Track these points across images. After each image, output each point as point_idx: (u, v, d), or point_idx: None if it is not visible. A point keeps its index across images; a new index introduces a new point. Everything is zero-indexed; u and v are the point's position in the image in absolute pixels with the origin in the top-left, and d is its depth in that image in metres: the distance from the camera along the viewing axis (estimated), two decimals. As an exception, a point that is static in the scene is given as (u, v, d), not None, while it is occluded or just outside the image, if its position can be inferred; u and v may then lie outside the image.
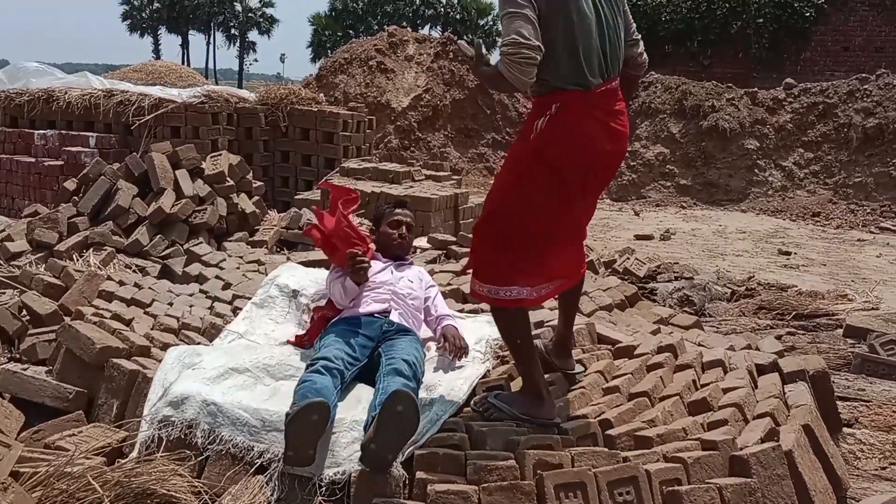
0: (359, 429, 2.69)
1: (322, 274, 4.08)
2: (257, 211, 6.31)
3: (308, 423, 2.52)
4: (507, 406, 2.91)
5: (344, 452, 2.63)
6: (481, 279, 2.88)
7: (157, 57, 53.44)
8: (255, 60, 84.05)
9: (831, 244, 11.15)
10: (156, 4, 53.56)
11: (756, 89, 14.95)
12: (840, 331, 5.40)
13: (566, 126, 2.71)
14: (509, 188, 2.84)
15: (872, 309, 6.09)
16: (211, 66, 59.82)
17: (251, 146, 9.22)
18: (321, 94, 10.82)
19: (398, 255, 3.83)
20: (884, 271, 9.30)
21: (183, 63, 46.68)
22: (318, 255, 4.77)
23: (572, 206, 2.88)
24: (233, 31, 56.26)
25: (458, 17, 46.97)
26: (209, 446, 2.68)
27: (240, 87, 40.42)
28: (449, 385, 3.05)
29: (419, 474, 2.54)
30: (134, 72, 21.68)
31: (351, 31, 47.07)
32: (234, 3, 54.88)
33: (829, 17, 19.35)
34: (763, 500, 2.59)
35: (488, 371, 3.34)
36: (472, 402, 3.02)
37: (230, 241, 5.87)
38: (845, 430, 3.57)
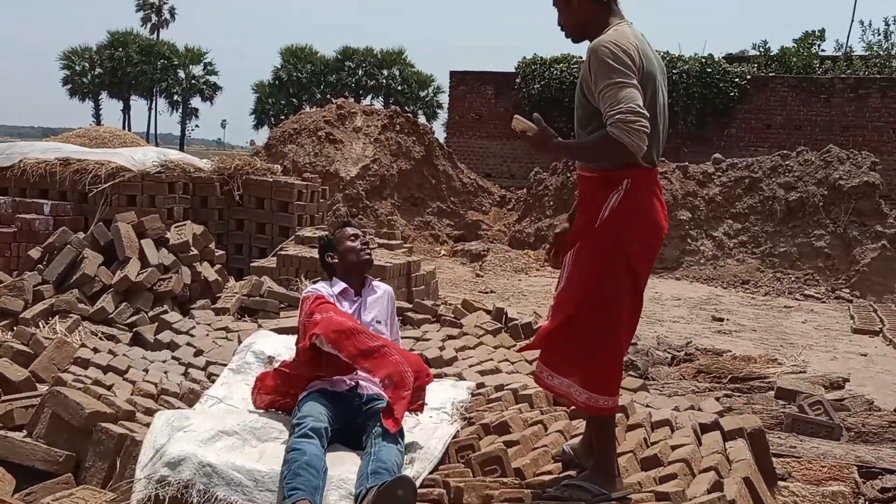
0: (346, 487, 2.91)
1: (294, 340, 4.29)
2: (220, 279, 6.49)
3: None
4: (596, 487, 2.97)
5: (333, 508, 2.85)
6: (583, 385, 2.94)
7: (98, 122, 53.19)
8: (197, 126, 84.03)
9: (760, 310, 11.77)
10: (98, 70, 53.51)
11: (687, 163, 15.77)
12: (772, 392, 5.83)
13: (639, 203, 2.85)
14: (599, 292, 2.87)
15: (800, 372, 6.57)
16: (152, 131, 59.79)
17: (206, 214, 9.38)
18: (277, 165, 11.09)
19: (365, 270, 3.85)
20: (809, 336, 9.89)
21: (124, 128, 46.56)
22: (290, 321, 4.98)
23: (640, 296, 3.01)
24: (175, 97, 56.50)
25: (399, 88, 48.07)
26: (204, 505, 2.86)
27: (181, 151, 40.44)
28: (425, 445, 3.30)
29: (404, 527, 2.77)
30: (76, 136, 21.57)
31: (294, 100, 47.80)
32: (178, 71, 55.18)
33: (752, 97, 20.65)
34: (710, 545, 2.89)
35: (458, 431, 3.60)
36: (553, 490, 3.04)
37: (194, 308, 6.02)
38: (780, 483, 3.91)
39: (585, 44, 2.98)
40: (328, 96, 45.52)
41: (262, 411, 3.55)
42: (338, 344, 3.30)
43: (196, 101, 58.76)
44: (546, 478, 3.19)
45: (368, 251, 3.88)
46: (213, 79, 57.26)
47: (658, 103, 2.90)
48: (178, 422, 3.27)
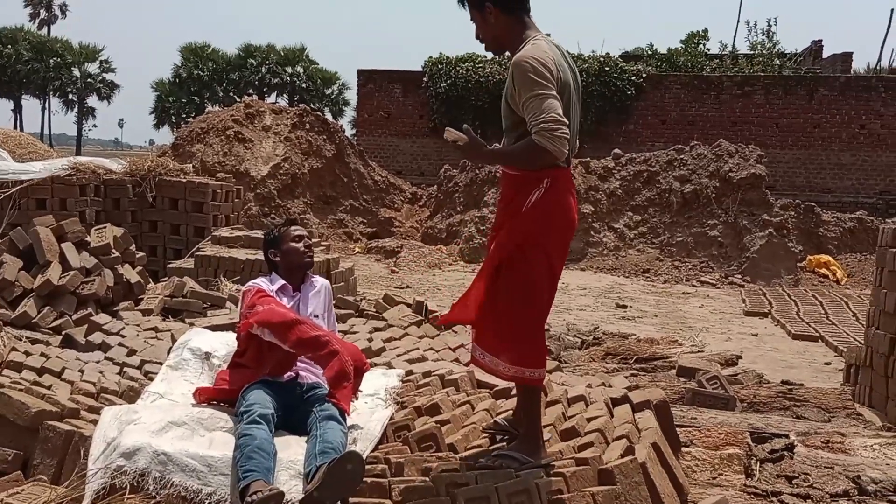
0: (295, 468, 3.13)
1: (230, 336, 4.45)
2: (142, 280, 6.53)
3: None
4: (523, 456, 3.25)
5: (284, 488, 3.06)
6: (509, 361, 3.23)
7: (-13, 123, 50.60)
8: (94, 126, 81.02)
9: (660, 297, 12.47)
10: (-15, 68, 50.95)
11: (588, 159, 16.43)
12: (674, 371, 6.33)
13: (556, 201, 3.14)
14: (516, 270, 3.15)
15: (699, 352, 7.13)
16: (46, 131, 57.23)
17: (119, 217, 9.30)
18: (189, 165, 11.04)
19: (305, 271, 3.98)
20: (705, 320, 10.59)
21: (15, 128, 44.40)
22: (221, 319, 5.12)
23: (556, 281, 3.31)
24: (70, 96, 54.23)
25: (304, 85, 47.62)
26: (161, 491, 3.03)
27: (78, 152, 38.95)
28: (365, 426, 3.55)
29: (351, 500, 3.02)
30: (-34, 138, 20.71)
31: (196, 98, 46.70)
32: (73, 69, 52.99)
33: (647, 94, 21.61)
34: (624, 502, 3.25)
35: (393, 415, 3.86)
36: (485, 460, 3.28)
37: (118, 310, 6.06)
38: (683, 449, 4.34)
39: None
40: (231, 94, 44.75)
41: (205, 404, 3.71)
42: (279, 333, 3.47)
43: (92, 100, 56.74)
44: (476, 451, 3.49)
45: (311, 254, 4.00)
46: (109, 76, 55.38)
47: (572, 109, 3.20)
48: (127, 416, 3.41)
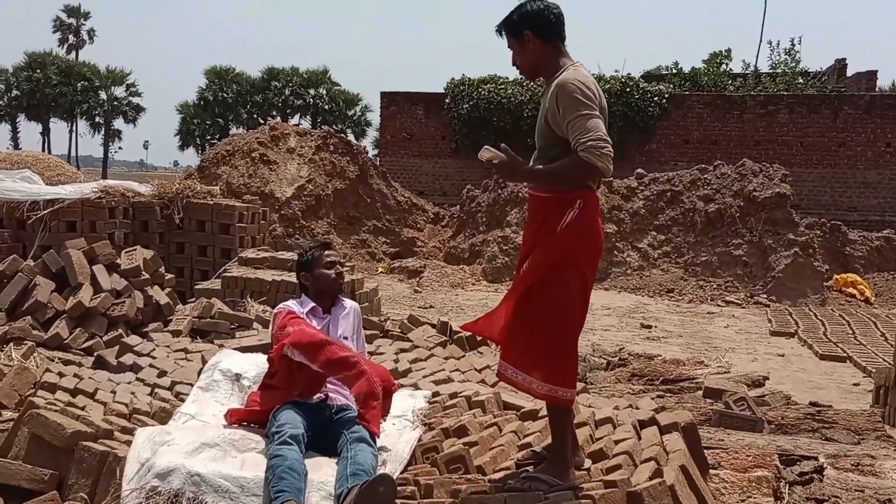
0: (325, 489, 3.17)
1: (259, 358, 4.52)
2: (171, 302, 6.63)
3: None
4: (552, 478, 3.28)
5: (315, 509, 3.10)
6: (543, 380, 3.25)
7: (16, 145, 51.50)
8: (120, 148, 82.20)
9: (685, 317, 12.40)
10: (14, 92, 51.83)
11: (611, 179, 16.43)
12: (700, 392, 6.30)
13: (588, 221, 3.22)
14: (551, 289, 3.20)
15: (725, 372, 7.08)
16: (73, 153, 58.14)
17: (147, 238, 9.44)
18: (216, 187, 11.20)
19: (336, 294, 4.02)
20: (731, 340, 10.52)
21: (43, 150, 45.22)
22: (251, 340, 5.18)
23: (588, 300, 3.36)
24: (97, 119, 55.09)
25: (326, 107, 48.08)
26: (194, 512, 3.08)
27: (104, 174, 39.56)
28: (394, 448, 3.58)
29: (382, 522, 3.04)
30: (-2, 161, 21.11)
31: (220, 120, 47.30)
32: (100, 92, 53.90)
33: (670, 114, 21.59)
34: (654, 525, 3.24)
35: (420, 436, 3.89)
36: (513, 482, 3.30)
37: (147, 331, 6.15)
38: (711, 471, 4.32)
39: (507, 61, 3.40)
40: (255, 116, 45.23)
41: (236, 425, 3.76)
42: (309, 354, 3.52)
43: (118, 123, 57.61)
44: (505, 473, 3.51)
45: (342, 280, 4.05)
46: (136, 100, 56.17)
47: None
48: (160, 437, 3.46)
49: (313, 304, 3.99)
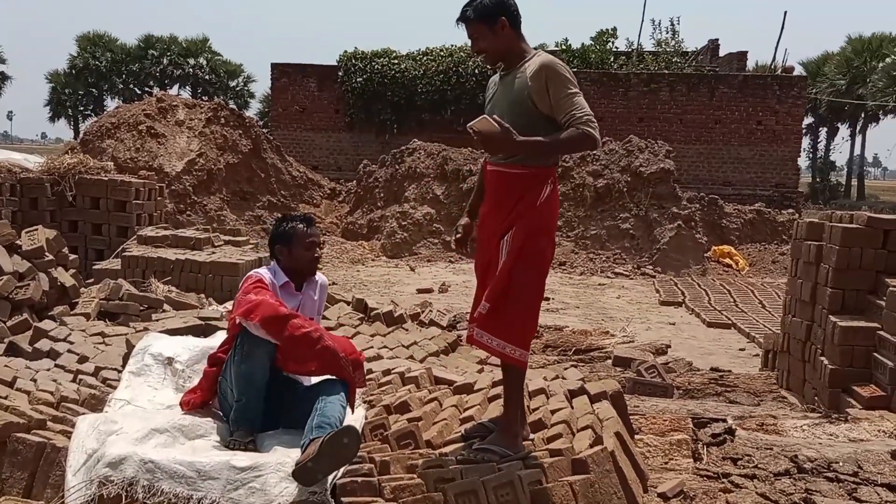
0: (284, 470, 3.17)
1: (190, 341, 4.43)
2: (76, 284, 6.35)
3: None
4: (502, 449, 3.42)
5: (275, 490, 3.11)
6: (512, 342, 3.41)
7: None
8: (-18, 118, 75.89)
9: (578, 289, 12.87)
10: None
11: (505, 155, 16.69)
12: (610, 361, 6.61)
13: (556, 193, 3.45)
14: (532, 259, 3.38)
15: (630, 342, 7.45)
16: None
17: (37, 217, 8.95)
18: (110, 163, 10.69)
19: (309, 276, 3.89)
20: (625, 310, 11.01)
21: None
22: (176, 322, 5.06)
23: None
24: (-44, 88, 50.97)
25: (207, 77, 46.34)
26: (150, 499, 3.03)
27: (-35, 146, 36.68)
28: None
29: (344, 500, 3.09)
30: None
31: (94, 90, 44.78)
32: (-41, 60, 49.87)
33: (558, 91, 22.06)
34: (599, 490, 3.44)
35: (365, 414, 3.94)
36: (465, 454, 3.41)
37: (53, 314, 5.87)
38: (636, 436, 4.58)
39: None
40: (131, 86, 43.11)
41: (184, 411, 3.70)
42: (271, 327, 3.40)
43: (-21, 92, 53.42)
44: (454, 446, 3.61)
45: (318, 262, 3.92)
46: (0, 67, 52.35)
47: None
48: (106, 426, 3.37)
49: (286, 280, 3.81)
